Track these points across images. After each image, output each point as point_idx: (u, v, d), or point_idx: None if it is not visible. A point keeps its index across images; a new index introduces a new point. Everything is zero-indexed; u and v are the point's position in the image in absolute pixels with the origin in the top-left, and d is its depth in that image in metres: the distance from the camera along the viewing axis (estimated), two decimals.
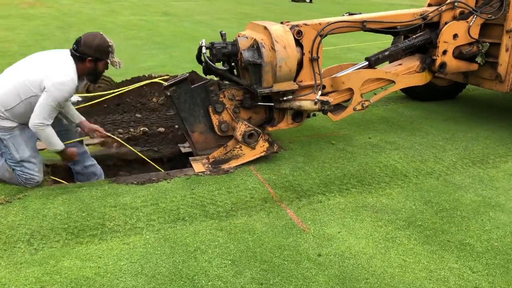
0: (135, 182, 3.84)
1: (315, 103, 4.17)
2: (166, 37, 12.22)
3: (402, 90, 6.32)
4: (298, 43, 4.18)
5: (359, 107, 4.62)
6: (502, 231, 3.21)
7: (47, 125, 3.50)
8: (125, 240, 3.05)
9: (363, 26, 4.52)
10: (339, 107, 4.70)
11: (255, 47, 3.98)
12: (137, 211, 3.41)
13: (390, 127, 5.25)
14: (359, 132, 5.13)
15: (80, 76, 3.62)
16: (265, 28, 4.00)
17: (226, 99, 4.18)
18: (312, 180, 3.93)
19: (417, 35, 4.93)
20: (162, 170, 4.27)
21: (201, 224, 3.26)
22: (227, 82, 4.40)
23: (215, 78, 4.47)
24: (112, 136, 4.38)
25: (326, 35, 4.40)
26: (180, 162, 4.75)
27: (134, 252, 2.92)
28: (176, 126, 5.06)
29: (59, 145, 3.67)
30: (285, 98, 4.19)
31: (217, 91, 4.15)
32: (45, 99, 3.44)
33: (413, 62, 4.94)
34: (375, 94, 4.88)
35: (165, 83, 4.17)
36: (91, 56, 3.57)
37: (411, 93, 6.34)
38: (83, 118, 4.12)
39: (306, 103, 4.21)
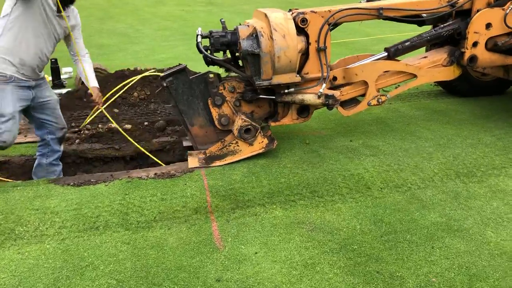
0: (71, 184, 3.67)
1: (319, 97, 3.86)
2: (196, 28, 12.07)
3: (439, 84, 5.81)
4: (304, 32, 3.83)
5: (374, 102, 4.18)
6: (449, 263, 2.69)
7: None
8: (23, 249, 2.87)
9: (379, 13, 4.03)
10: (353, 101, 4.28)
11: (254, 36, 3.67)
12: (55, 216, 3.23)
13: (380, 129, 4.72)
14: (343, 133, 4.65)
15: None
16: (266, 15, 3.67)
17: (226, 92, 3.94)
18: (261, 188, 3.56)
19: (445, 24, 4.36)
20: (163, 164, 4.13)
21: (112, 235, 3.01)
22: (232, 74, 4.13)
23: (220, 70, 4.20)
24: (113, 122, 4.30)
25: (336, 24, 4.05)
26: (144, 160, 4.54)
27: (23, 263, 2.73)
28: (146, 123, 4.85)
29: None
30: (286, 91, 3.87)
31: (216, 82, 3.91)
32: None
33: (440, 55, 4.40)
34: (397, 87, 4.38)
35: (161, 74, 3.99)
36: None
37: (449, 88, 5.76)
38: (96, 85, 4.10)
39: (309, 97, 3.90)
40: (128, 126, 4.73)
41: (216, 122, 3.99)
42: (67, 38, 3.98)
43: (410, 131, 4.64)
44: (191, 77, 3.86)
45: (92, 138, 4.54)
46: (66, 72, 7.05)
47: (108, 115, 4.22)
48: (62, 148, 4.28)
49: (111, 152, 4.44)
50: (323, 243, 2.90)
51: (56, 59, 6.42)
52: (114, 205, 3.38)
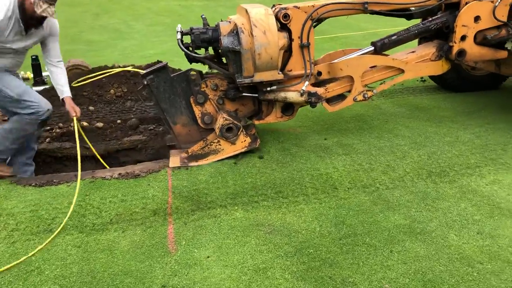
0: (33, 184, 3.60)
1: (301, 95, 3.79)
2: (190, 23, 11.97)
3: (432, 79, 5.71)
4: (286, 28, 3.74)
5: (360, 97, 4.09)
6: (405, 268, 2.59)
7: None
8: None
9: (364, 8, 3.94)
10: (339, 96, 4.19)
11: (235, 32, 3.58)
12: (10, 218, 3.16)
13: (357, 127, 4.61)
14: (319, 130, 4.54)
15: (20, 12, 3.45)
16: (246, 11, 3.58)
17: (209, 89, 3.86)
18: (225, 189, 3.47)
19: (433, 18, 4.24)
20: (108, 167, 4.04)
21: (64, 238, 2.94)
22: (215, 71, 4.04)
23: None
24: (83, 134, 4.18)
25: (321, 19, 3.95)
26: (115, 159, 4.47)
27: None
28: (118, 121, 4.76)
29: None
30: (268, 89, 3.79)
31: (199, 80, 3.84)
32: None
33: (428, 49, 4.29)
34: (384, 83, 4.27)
35: (143, 71, 3.91)
36: None
37: (442, 83, 5.64)
38: (68, 95, 3.93)
39: (292, 95, 3.83)
40: (100, 125, 4.65)
41: (199, 121, 3.92)
42: (43, 44, 3.89)
43: (388, 129, 4.52)
44: (172, 75, 3.78)
45: (63, 137, 4.45)
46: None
47: (77, 126, 4.10)
48: (36, 147, 4.21)
49: (81, 152, 4.34)
50: (279, 246, 2.81)
51: (37, 56, 6.35)
52: (71, 206, 3.29)
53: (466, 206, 3.17)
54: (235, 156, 3.89)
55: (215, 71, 4.05)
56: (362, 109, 5.13)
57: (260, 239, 2.89)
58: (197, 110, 3.89)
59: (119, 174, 3.72)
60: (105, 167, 4.18)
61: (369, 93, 4.11)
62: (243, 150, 3.90)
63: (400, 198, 3.30)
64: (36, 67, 6.43)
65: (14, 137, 3.73)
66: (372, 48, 4.19)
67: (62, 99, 3.93)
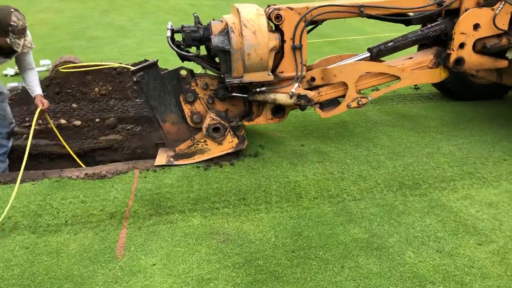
0: None
1: (291, 97, 3.73)
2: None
3: (435, 86, 5.56)
4: (279, 29, 3.70)
5: (354, 104, 4.02)
6: (353, 286, 2.50)
7: None
8: None
9: (360, 11, 3.85)
10: (333, 102, 4.12)
11: (226, 32, 3.54)
12: None
13: (338, 134, 4.50)
14: (297, 136, 4.45)
15: None
16: (238, 10, 3.53)
17: (199, 88, 3.81)
18: (189, 194, 3.41)
19: (432, 24, 4.15)
20: (83, 165, 4.02)
21: (15, 238, 2.91)
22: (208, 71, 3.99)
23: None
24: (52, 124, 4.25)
25: (316, 22, 3.90)
26: (91, 158, 4.44)
27: None
28: (97, 120, 4.73)
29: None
30: (258, 90, 3.73)
31: (189, 79, 3.78)
32: None
33: (425, 56, 4.20)
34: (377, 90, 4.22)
35: (132, 68, 3.90)
36: None
37: (445, 91, 5.49)
38: (41, 92, 4.09)
39: (281, 97, 3.77)
40: (78, 123, 4.63)
41: (188, 119, 3.87)
42: (20, 56, 3.98)
43: (369, 137, 4.41)
44: (162, 72, 3.73)
45: (40, 134, 4.44)
46: (43, 64, 7.01)
47: (36, 118, 4.09)
48: (10, 143, 4.22)
49: (56, 149, 4.34)
50: (228, 256, 2.74)
51: None
52: (31, 205, 3.27)
53: (431, 222, 3.05)
54: (234, 156, 3.87)
55: (208, 71, 4.00)
56: (347, 116, 5.01)
57: (211, 248, 2.82)
58: (186, 109, 3.85)
59: (86, 174, 3.68)
60: (80, 166, 4.15)
61: (364, 100, 4.03)
62: (229, 150, 3.85)
63: (364, 210, 3.20)
64: None
65: None
66: (368, 54, 4.10)
67: (34, 97, 3.93)
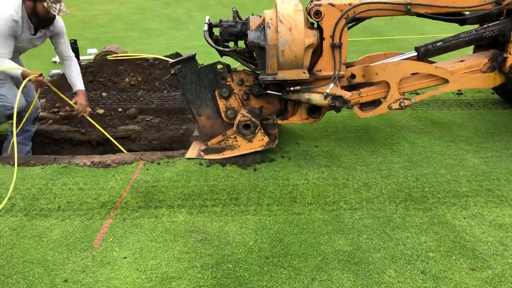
0: (11, 163, 3.75)
1: (325, 97, 3.62)
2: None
3: (495, 90, 5.18)
4: (318, 26, 3.62)
5: (395, 105, 3.83)
6: None
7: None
8: None
9: (407, 9, 3.63)
10: (374, 102, 3.97)
11: (262, 27, 3.51)
12: None
13: (357, 137, 4.29)
14: (314, 136, 4.30)
15: (31, 18, 3.73)
16: (275, 5, 3.49)
17: (234, 84, 3.80)
18: (183, 189, 3.40)
19: (489, 24, 3.89)
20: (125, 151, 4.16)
21: (7, 219, 3.08)
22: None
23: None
24: (94, 123, 4.37)
25: (357, 19, 3.76)
26: (110, 147, 4.56)
27: None
28: (119, 110, 4.85)
29: (16, 72, 3.77)
30: (292, 89, 3.66)
31: (225, 74, 3.80)
32: None
33: (479, 59, 3.92)
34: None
35: (171, 60, 3.95)
36: None
37: (507, 96, 5.06)
38: (82, 88, 4.23)
39: (316, 96, 3.66)
40: (101, 111, 4.76)
41: (222, 115, 3.86)
42: (53, 43, 4.14)
43: (389, 144, 4.16)
44: (200, 66, 3.75)
45: (64, 120, 4.61)
46: (90, 53, 7.29)
47: (90, 119, 4.24)
48: (34, 128, 4.42)
49: (77, 136, 4.49)
50: (200, 256, 2.69)
51: (75, 40, 6.62)
52: (33, 189, 3.40)
53: (426, 240, 2.82)
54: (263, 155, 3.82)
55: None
56: (374, 119, 4.76)
57: (186, 246, 2.78)
58: (221, 104, 3.84)
59: (92, 162, 3.77)
60: (106, 153, 4.26)
61: (406, 102, 3.81)
62: (259, 149, 3.80)
63: (357, 221, 3.01)
64: (75, 51, 6.71)
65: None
66: (415, 53, 3.89)
67: (75, 92, 4.15)
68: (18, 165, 3.72)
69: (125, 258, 2.67)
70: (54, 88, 4.33)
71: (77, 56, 6.48)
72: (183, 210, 3.15)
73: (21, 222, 3.01)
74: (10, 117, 4.05)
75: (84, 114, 4.21)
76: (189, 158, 3.79)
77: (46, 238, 2.85)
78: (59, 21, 4.09)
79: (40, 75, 3.78)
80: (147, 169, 3.68)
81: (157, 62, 5.49)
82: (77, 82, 4.26)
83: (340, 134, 4.39)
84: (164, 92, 5.28)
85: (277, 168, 3.69)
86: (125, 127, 4.57)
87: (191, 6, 13.49)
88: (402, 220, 3.02)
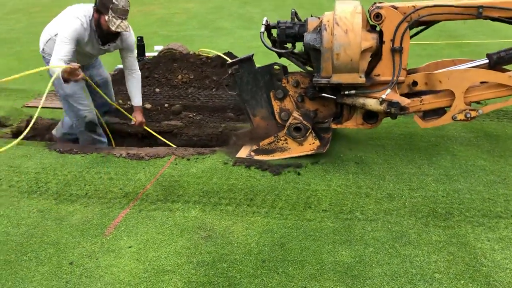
0: (57, 150, 4.07)
1: (381, 103, 3.52)
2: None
3: None
4: (375, 29, 3.58)
5: (461, 116, 3.61)
6: None
7: (62, 60, 3.69)
8: None
9: (478, 13, 3.41)
10: (438, 111, 3.79)
11: (319, 29, 3.53)
12: (19, 175, 3.68)
13: (397, 145, 4.09)
14: (353, 141, 4.17)
15: (96, 29, 3.85)
16: (334, 7, 3.50)
17: (290, 86, 3.83)
18: (204, 186, 3.49)
19: None
20: (173, 145, 4.38)
21: (39, 201, 3.34)
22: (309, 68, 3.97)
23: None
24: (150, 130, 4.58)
25: (423, 23, 3.63)
26: (154, 140, 4.76)
27: None
28: (166, 105, 5.05)
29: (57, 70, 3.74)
30: (346, 92, 3.61)
31: (281, 75, 3.83)
32: (57, 39, 3.75)
33: None
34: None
35: (230, 60, 4.09)
36: (96, 6, 3.74)
37: None
38: (139, 104, 4.35)
39: (371, 102, 3.57)
40: (148, 106, 4.98)
41: (276, 116, 3.89)
42: (120, 54, 4.25)
43: (429, 154, 3.93)
44: (256, 67, 3.81)
45: (118, 112, 4.88)
46: (156, 50, 7.62)
47: (148, 129, 4.45)
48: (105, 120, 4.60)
49: (124, 128, 4.74)
50: (199, 253, 2.74)
51: (142, 37, 6.98)
52: (69, 175, 3.66)
53: (437, 260, 2.64)
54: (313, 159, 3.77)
55: (308, 68, 3.92)
56: (419, 127, 4.49)
57: (190, 242, 2.85)
58: (275, 105, 3.86)
59: (128, 153, 3.97)
60: (150, 145, 4.45)
61: (473, 113, 3.57)
62: (309, 152, 3.77)
63: (368, 233, 2.90)
64: (140, 48, 7.06)
65: (63, 131, 4.35)
66: (486, 61, 3.63)
67: (132, 106, 4.36)
68: (61, 152, 4.00)
69: (130, 247, 2.79)
70: (116, 105, 4.52)
71: (143, 53, 6.84)
72: (197, 206, 3.22)
73: (49, 206, 3.25)
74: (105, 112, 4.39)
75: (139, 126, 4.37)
76: (239, 158, 3.80)
77: (66, 222, 3.06)
78: (130, 38, 4.16)
79: (77, 68, 3.73)
80: (176, 164, 3.80)
81: (209, 60, 5.62)
82: (136, 97, 4.32)
83: (379, 140, 4.22)
84: (213, 90, 5.40)
85: (302, 172, 3.63)
86: (168, 123, 4.74)
87: (267, 6, 13.58)
88: (417, 236, 2.85)
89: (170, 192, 3.40)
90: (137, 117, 4.31)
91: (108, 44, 4.05)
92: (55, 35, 3.84)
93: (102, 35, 3.93)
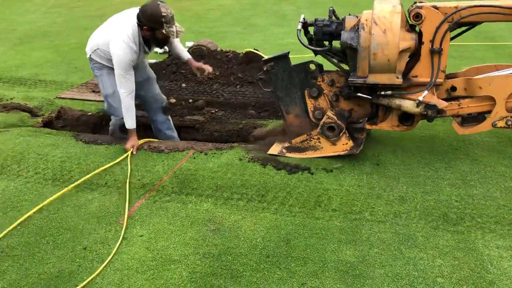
0: (83, 140, 4.25)
1: (417, 105, 3.48)
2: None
3: None
4: (415, 29, 3.55)
5: (501, 123, 3.52)
6: None
7: (127, 93, 3.86)
8: None
9: None
10: (477, 117, 3.74)
11: (357, 28, 3.50)
12: (45, 162, 3.86)
13: (416, 147, 4.04)
14: (377, 141, 4.15)
15: (146, 41, 3.96)
16: (374, 6, 3.48)
17: (325, 84, 3.83)
18: (218, 180, 3.57)
19: None
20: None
21: (60, 188, 3.49)
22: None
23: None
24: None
25: (466, 24, 3.55)
26: (178, 134, 4.88)
27: None
28: (190, 101, 5.17)
29: (129, 124, 4.01)
30: (382, 93, 3.59)
31: (316, 73, 3.83)
32: (115, 70, 3.86)
33: None
34: None
35: (265, 57, 4.15)
36: (146, 25, 3.77)
37: None
38: (190, 57, 4.43)
39: (407, 103, 3.52)
40: (173, 101, 5.12)
41: (310, 114, 3.90)
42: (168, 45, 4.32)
43: (448, 158, 3.88)
44: (292, 65, 3.83)
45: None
46: (188, 46, 7.77)
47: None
48: (169, 117, 4.66)
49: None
50: (206, 245, 2.83)
51: None
52: (91, 165, 3.83)
53: (441, 264, 2.63)
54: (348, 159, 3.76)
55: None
56: (442, 131, 4.45)
57: (198, 233, 2.94)
58: (310, 103, 3.87)
59: (149, 146, 4.10)
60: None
61: None
62: (342, 153, 3.75)
63: (375, 234, 2.91)
64: None
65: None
66: None
67: (185, 61, 4.42)
68: (87, 143, 4.18)
69: (141, 236, 2.91)
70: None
71: None
72: (209, 200, 3.31)
73: (71, 192, 3.42)
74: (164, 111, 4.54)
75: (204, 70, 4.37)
76: (271, 154, 3.83)
77: (84, 209, 3.21)
78: (177, 24, 4.08)
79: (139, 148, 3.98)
80: (194, 158, 3.90)
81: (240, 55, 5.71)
82: (184, 53, 4.39)
83: (400, 142, 4.19)
84: (237, 87, 5.48)
85: (315, 170, 3.66)
86: (191, 117, 4.85)
87: (302, 3, 13.53)
88: (424, 239, 2.84)
89: (185, 185, 3.50)
90: (198, 65, 4.31)
91: (153, 46, 4.15)
92: (103, 45, 3.91)
93: (157, 44, 4.08)
